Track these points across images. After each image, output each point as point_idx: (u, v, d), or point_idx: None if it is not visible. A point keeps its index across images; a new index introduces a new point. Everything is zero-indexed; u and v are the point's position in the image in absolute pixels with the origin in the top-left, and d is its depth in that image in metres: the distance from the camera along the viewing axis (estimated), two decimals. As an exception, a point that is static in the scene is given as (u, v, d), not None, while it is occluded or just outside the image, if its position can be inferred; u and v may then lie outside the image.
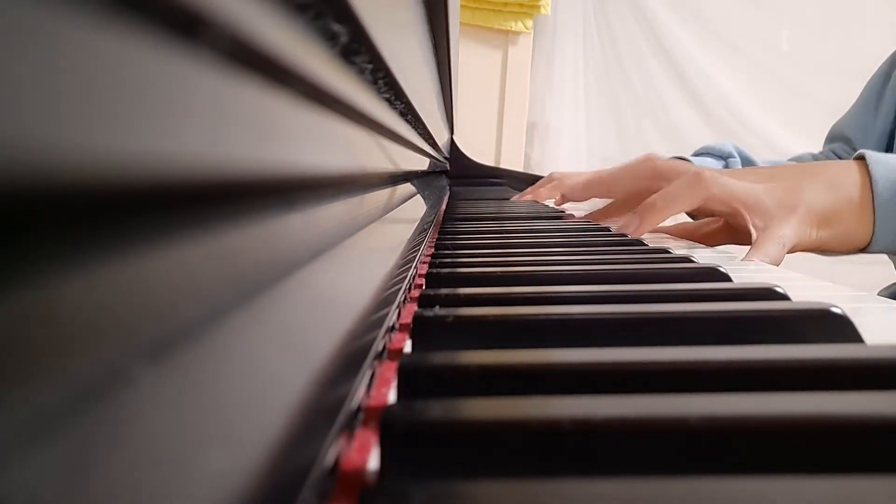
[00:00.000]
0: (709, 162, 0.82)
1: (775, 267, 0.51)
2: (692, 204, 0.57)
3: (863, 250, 0.58)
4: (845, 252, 0.59)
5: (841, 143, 0.90)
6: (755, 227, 0.56)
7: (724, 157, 0.84)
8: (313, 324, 0.15)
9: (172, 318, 0.09)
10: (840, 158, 0.85)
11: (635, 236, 0.59)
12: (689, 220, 0.75)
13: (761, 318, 0.25)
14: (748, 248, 0.56)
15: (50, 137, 0.07)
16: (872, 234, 0.56)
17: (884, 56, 0.90)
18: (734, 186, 0.56)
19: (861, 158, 0.58)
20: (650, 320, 0.25)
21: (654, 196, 0.58)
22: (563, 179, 0.89)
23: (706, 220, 0.67)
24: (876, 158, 0.57)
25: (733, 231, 0.62)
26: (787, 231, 0.55)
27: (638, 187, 0.66)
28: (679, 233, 0.68)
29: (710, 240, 0.65)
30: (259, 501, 0.09)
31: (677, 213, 0.58)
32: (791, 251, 0.56)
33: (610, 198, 0.77)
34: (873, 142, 0.83)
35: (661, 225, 0.63)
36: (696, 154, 0.87)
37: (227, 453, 0.09)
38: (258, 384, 0.11)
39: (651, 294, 0.30)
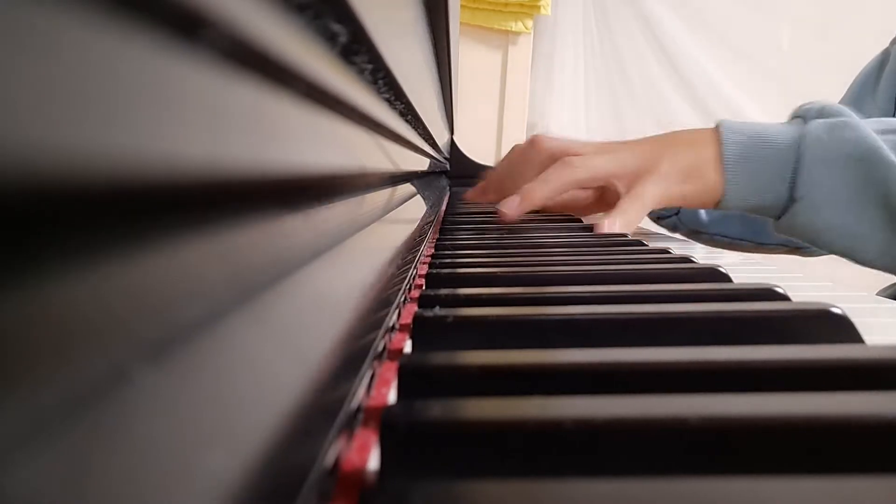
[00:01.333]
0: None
1: (774, 266, 0.51)
2: (565, 187, 0.64)
3: (717, 205, 0.64)
4: (704, 205, 0.65)
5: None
6: (621, 191, 0.63)
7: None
8: (313, 324, 0.15)
9: (173, 318, 0.09)
10: None
11: (513, 216, 0.64)
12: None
13: (761, 318, 0.25)
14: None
15: (50, 137, 0.07)
16: (724, 188, 0.62)
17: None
18: (598, 164, 0.63)
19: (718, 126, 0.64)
20: (650, 320, 0.25)
21: (531, 184, 0.64)
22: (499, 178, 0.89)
23: (584, 193, 0.73)
24: (728, 124, 0.64)
25: (607, 203, 0.67)
26: (649, 188, 0.61)
27: (535, 171, 0.68)
28: (558, 207, 0.73)
29: (586, 212, 0.72)
30: (259, 501, 0.09)
31: (553, 196, 0.64)
32: (659, 205, 0.63)
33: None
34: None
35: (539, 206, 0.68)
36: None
37: (227, 453, 0.09)
38: (258, 384, 0.11)
39: (651, 294, 0.30)
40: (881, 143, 0.59)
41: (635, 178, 0.62)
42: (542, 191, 0.64)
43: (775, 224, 0.65)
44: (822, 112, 0.63)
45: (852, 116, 0.61)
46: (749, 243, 0.86)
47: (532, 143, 0.71)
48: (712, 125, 0.65)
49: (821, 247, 0.64)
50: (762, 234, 0.84)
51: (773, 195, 0.62)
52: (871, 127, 0.60)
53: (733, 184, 0.62)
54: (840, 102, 0.90)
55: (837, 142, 0.59)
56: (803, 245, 0.82)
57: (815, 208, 0.60)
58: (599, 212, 0.70)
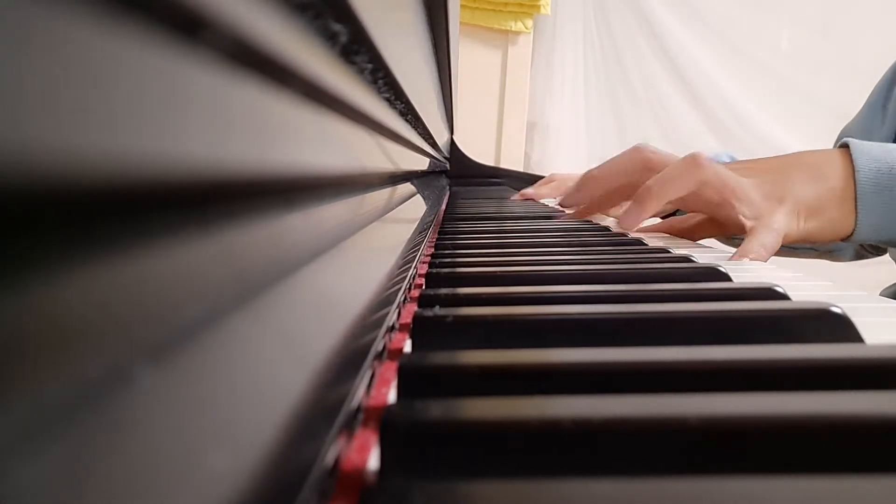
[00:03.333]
0: None
1: (775, 266, 0.51)
2: (689, 186, 0.57)
3: (845, 239, 0.59)
4: (830, 241, 0.60)
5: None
6: (745, 217, 0.56)
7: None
8: (313, 323, 0.15)
9: (173, 318, 0.09)
10: None
11: (637, 223, 0.59)
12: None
13: (761, 317, 0.25)
14: (731, 243, 0.56)
15: (51, 137, 0.07)
16: (855, 224, 0.57)
17: (884, 56, 0.90)
18: (727, 174, 0.57)
19: (846, 146, 0.58)
20: (650, 320, 0.25)
21: (650, 181, 0.58)
22: (565, 181, 0.89)
23: (691, 214, 0.67)
24: (860, 148, 0.57)
25: (719, 224, 0.62)
26: (781, 220, 0.55)
27: (630, 181, 0.65)
28: (665, 229, 0.68)
29: (695, 233, 0.66)
30: (259, 501, 0.09)
31: (675, 197, 0.58)
32: (784, 241, 0.57)
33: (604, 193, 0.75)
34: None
35: (646, 224, 0.64)
36: None
37: (227, 453, 0.09)
38: (258, 384, 0.11)
39: (651, 294, 0.30)
40: None
41: (759, 206, 0.56)
42: (662, 188, 0.57)
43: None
44: None
45: None
46: (812, 251, 0.82)
47: (633, 149, 0.67)
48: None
49: None
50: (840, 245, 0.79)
51: None
52: None
53: (865, 219, 0.56)
54: (858, 115, 0.90)
55: None
56: (834, 249, 0.82)
57: None
58: (712, 235, 0.64)
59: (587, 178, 0.76)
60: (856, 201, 0.56)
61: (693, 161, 0.57)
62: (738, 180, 0.57)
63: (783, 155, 0.60)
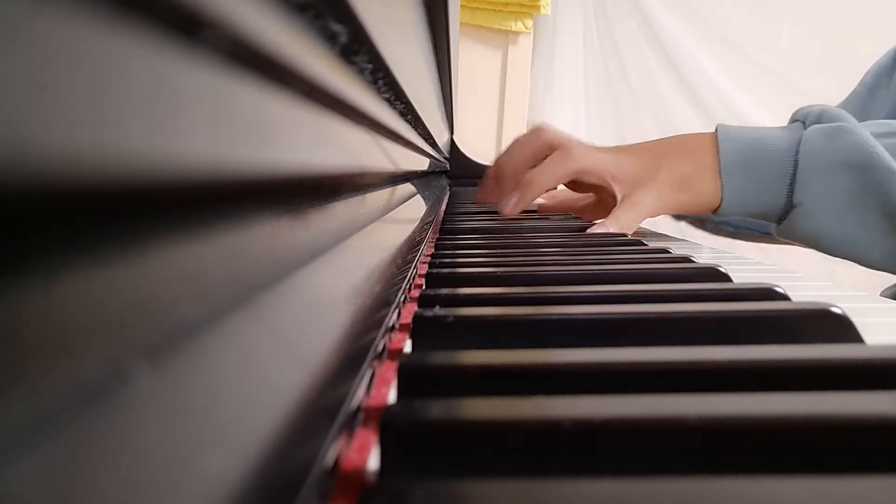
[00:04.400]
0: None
1: (775, 266, 0.51)
2: (564, 177, 0.64)
3: (715, 211, 0.64)
4: (702, 213, 0.65)
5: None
6: (620, 194, 0.63)
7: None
8: (313, 323, 0.15)
9: (173, 318, 0.09)
10: None
11: (515, 212, 0.66)
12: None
13: (761, 318, 0.25)
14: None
15: (51, 137, 0.07)
16: (721, 196, 0.62)
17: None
18: (600, 159, 0.64)
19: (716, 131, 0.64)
20: (650, 320, 0.25)
21: (531, 173, 0.65)
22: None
23: (583, 195, 0.75)
24: (724, 129, 0.63)
25: (606, 206, 0.68)
26: (647, 198, 0.62)
27: (537, 161, 0.68)
28: (557, 206, 0.75)
29: (584, 213, 0.73)
30: (259, 501, 0.09)
31: (552, 187, 0.66)
32: (654, 214, 0.63)
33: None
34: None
35: (539, 200, 0.69)
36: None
37: (227, 453, 0.09)
38: (258, 384, 0.11)
39: (651, 294, 0.30)
40: (881, 148, 0.58)
41: (632, 185, 0.63)
42: (540, 180, 0.64)
43: (776, 228, 0.65)
44: (822, 116, 0.62)
45: (851, 121, 0.61)
46: (754, 233, 0.86)
47: (533, 131, 0.71)
48: (712, 127, 0.65)
49: (823, 251, 0.64)
50: (767, 225, 0.84)
51: (772, 201, 0.62)
52: (871, 130, 0.60)
53: (730, 190, 0.62)
54: (851, 95, 0.90)
55: (835, 148, 0.59)
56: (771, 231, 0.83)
57: (814, 215, 0.60)
58: (597, 216, 0.70)
59: (501, 168, 0.75)
60: (720, 174, 0.62)
61: (566, 153, 0.64)
62: (613, 161, 0.64)
63: (663, 138, 0.66)
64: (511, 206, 0.67)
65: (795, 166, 0.60)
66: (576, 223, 0.68)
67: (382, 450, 0.15)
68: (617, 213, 0.61)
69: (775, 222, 0.64)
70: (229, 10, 0.11)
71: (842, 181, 0.59)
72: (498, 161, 0.76)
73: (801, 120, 0.64)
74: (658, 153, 0.64)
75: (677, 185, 0.62)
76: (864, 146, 0.58)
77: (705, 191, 0.63)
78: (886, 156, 0.58)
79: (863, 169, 0.58)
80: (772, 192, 0.61)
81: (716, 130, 0.64)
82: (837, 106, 0.92)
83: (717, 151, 0.62)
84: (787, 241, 0.86)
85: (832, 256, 0.65)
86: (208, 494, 0.08)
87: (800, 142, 0.60)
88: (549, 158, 0.65)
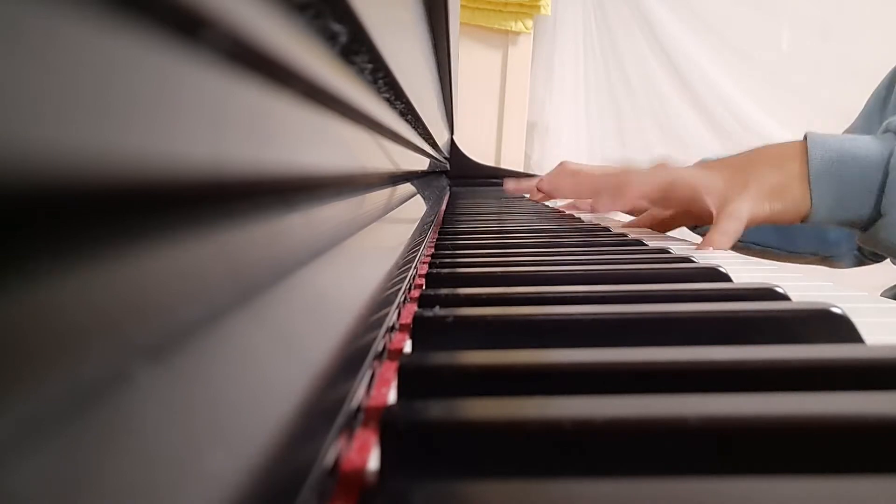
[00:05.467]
0: None
1: (775, 266, 0.51)
2: (660, 185, 0.65)
3: (805, 220, 0.64)
4: (793, 221, 0.65)
5: None
6: (713, 206, 0.63)
7: None
8: (314, 324, 0.15)
9: (174, 318, 0.09)
10: None
11: (608, 211, 0.68)
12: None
13: (761, 318, 0.25)
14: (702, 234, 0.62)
15: (48, 137, 0.07)
16: (811, 204, 0.62)
17: (884, 56, 0.90)
18: (692, 173, 0.65)
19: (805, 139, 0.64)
20: (650, 320, 0.25)
21: (627, 177, 0.67)
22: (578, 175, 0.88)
23: (662, 212, 0.75)
24: (814, 137, 0.63)
25: (693, 215, 0.70)
26: (743, 206, 0.62)
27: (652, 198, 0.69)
28: (647, 223, 0.76)
29: (672, 222, 0.75)
30: (259, 501, 0.09)
31: (647, 192, 0.66)
32: (749, 224, 0.63)
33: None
34: None
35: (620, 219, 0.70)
36: None
37: (227, 453, 0.09)
38: (259, 384, 0.11)
39: (651, 294, 0.30)
40: None
41: (725, 197, 0.63)
42: (638, 179, 0.65)
43: (860, 236, 0.65)
44: None
45: None
46: (781, 251, 0.87)
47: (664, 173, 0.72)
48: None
49: None
50: (794, 242, 0.85)
51: (860, 210, 0.61)
52: None
53: (819, 199, 0.61)
54: (854, 121, 0.91)
55: None
56: (833, 255, 0.84)
57: None
58: (684, 225, 0.71)
59: (587, 170, 0.79)
60: (809, 183, 0.62)
61: (662, 165, 0.66)
62: (704, 174, 0.64)
63: (742, 152, 0.66)
64: (606, 206, 0.68)
65: (886, 176, 0.60)
66: (576, 223, 0.68)
67: (382, 450, 0.15)
68: (720, 226, 0.61)
69: (860, 230, 0.64)
70: (229, 10, 0.11)
71: None
72: (615, 180, 0.76)
73: (894, 130, 0.63)
74: (743, 166, 0.64)
75: (769, 195, 0.62)
76: None
77: (796, 199, 0.62)
78: None
79: None
80: (860, 200, 0.61)
81: (804, 138, 0.63)
82: (846, 130, 0.93)
83: (807, 159, 0.62)
84: (811, 255, 0.88)
85: None
86: (208, 495, 0.08)
87: (892, 153, 0.60)
88: (649, 169, 0.66)
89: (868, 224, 0.62)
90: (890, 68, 0.88)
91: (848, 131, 0.92)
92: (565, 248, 0.49)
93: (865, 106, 0.91)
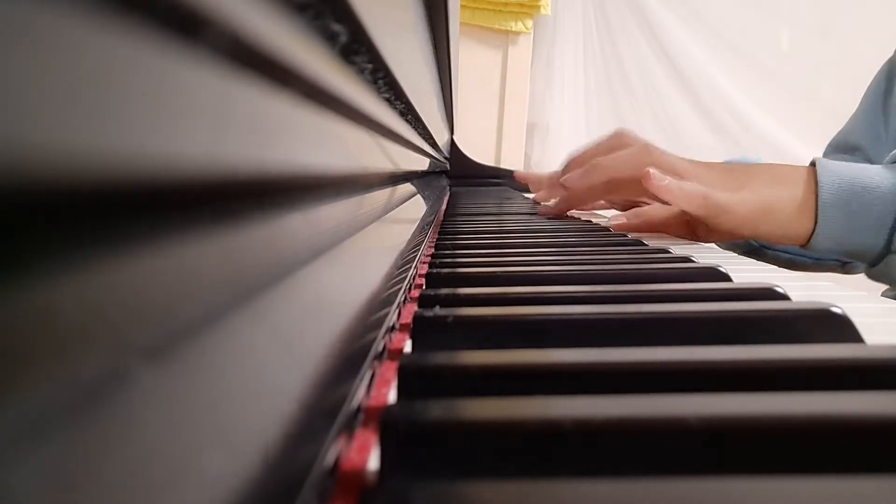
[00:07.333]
0: None
1: (775, 266, 0.51)
2: (635, 167, 0.60)
3: (802, 247, 0.61)
4: (780, 243, 0.62)
5: (849, 153, 0.88)
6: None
7: None
8: (314, 324, 0.15)
9: (173, 319, 0.09)
10: None
11: (579, 187, 0.64)
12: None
13: (761, 318, 0.25)
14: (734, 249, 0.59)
15: (48, 137, 0.07)
16: (812, 235, 0.59)
17: (884, 56, 0.90)
18: (679, 161, 0.60)
19: (813, 165, 0.61)
20: (650, 320, 0.25)
21: (602, 158, 0.63)
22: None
23: (663, 206, 0.68)
24: (825, 165, 0.59)
25: (690, 225, 0.65)
26: (723, 196, 0.58)
27: (634, 176, 0.64)
28: (646, 227, 0.70)
29: (667, 227, 0.69)
30: (259, 501, 0.09)
31: (619, 177, 0.62)
32: (731, 237, 0.60)
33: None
34: (888, 147, 0.82)
35: (615, 222, 0.67)
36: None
37: (227, 453, 0.09)
38: (258, 384, 0.11)
39: (651, 294, 0.30)
40: None
41: (712, 186, 0.59)
42: (612, 164, 0.61)
43: (868, 270, 0.62)
44: None
45: None
46: (808, 260, 0.83)
47: (616, 134, 0.68)
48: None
49: None
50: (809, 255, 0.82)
51: (869, 243, 0.58)
52: None
53: (826, 228, 0.58)
54: (852, 117, 0.90)
55: None
56: (851, 262, 0.82)
57: None
58: (680, 234, 0.67)
59: (596, 166, 0.71)
60: (816, 212, 0.58)
61: (644, 148, 0.61)
62: (693, 166, 0.60)
63: (746, 165, 0.63)
64: (572, 181, 0.65)
65: None
66: (576, 222, 0.68)
67: (382, 450, 0.15)
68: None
69: (868, 264, 0.61)
70: (229, 10, 0.11)
71: None
72: (601, 161, 0.73)
73: None
74: (740, 174, 0.60)
75: (758, 211, 0.59)
76: None
77: (790, 224, 0.59)
78: None
79: None
80: (870, 234, 0.58)
81: (812, 164, 0.60)
82: (842, 131, 0.92)
83: (815, 186, 0.58)
84: (835, 263, 0.84)
85: None
86: (208, 495, 0.08)
87: None
88: (628, 149, 0.63)
89: (877, 259, 0.60)
90: (880, 69, 0.88)
91: (846, 129, 0.91)
92: (565, 247, 0.49)
93: (863, 101, 0.89)
